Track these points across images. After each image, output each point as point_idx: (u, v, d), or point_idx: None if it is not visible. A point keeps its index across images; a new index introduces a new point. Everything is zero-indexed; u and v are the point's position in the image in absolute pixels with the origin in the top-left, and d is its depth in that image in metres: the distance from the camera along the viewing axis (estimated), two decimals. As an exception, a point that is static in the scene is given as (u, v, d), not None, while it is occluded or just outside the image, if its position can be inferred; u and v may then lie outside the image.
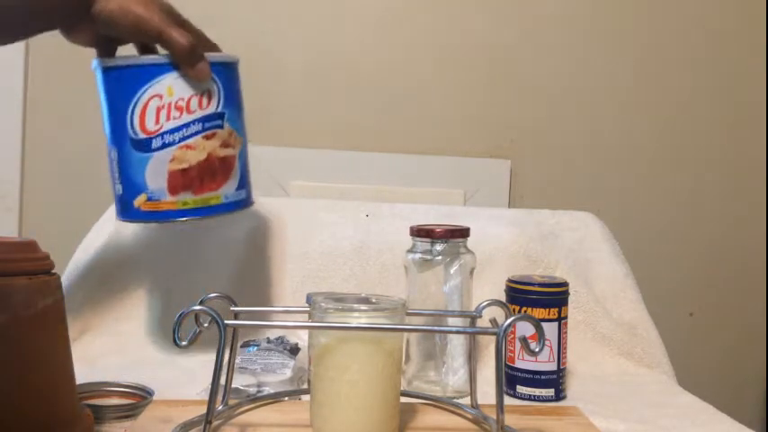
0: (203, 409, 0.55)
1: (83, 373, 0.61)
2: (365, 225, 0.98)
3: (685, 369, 0.98)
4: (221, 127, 0.69)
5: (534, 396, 0.75)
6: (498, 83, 1.23)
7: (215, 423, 0.60)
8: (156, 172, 0.67)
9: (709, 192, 1.28)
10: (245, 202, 0.74)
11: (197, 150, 0.67)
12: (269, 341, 0.80)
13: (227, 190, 0.71)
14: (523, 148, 1.24)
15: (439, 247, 0.75)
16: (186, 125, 0.67)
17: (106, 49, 0.69)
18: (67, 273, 0.92)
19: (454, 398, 0.71)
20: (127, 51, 0.70)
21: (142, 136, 0.67)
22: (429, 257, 0.76)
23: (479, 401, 0.66)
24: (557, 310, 0.76)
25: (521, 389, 0.76)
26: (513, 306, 0.76)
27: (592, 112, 1.25)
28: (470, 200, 1.19)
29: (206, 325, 0.58)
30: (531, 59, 1.23)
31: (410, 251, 0.78)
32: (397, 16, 1.21)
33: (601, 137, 1.26)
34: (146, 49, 0.71)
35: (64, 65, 1.15)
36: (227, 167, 0.70)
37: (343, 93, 1.21)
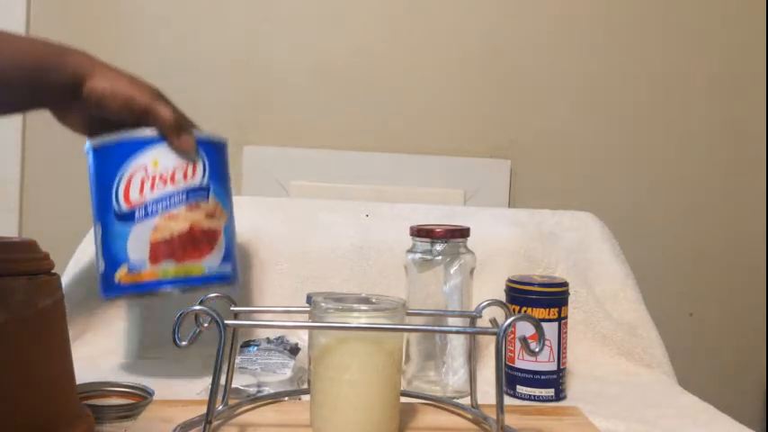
0: (203, 409, 0.55)
1: (83, 373, 0.61)
2: (365, 225, 0.98)
3: (685, 369, 0.98)
4: (206, 199, 0.69)
5: (534, 396, 0.75)
6: (498, 83, 1.23)
7: (215, 423, 0.60)
8: (137, 242, 0.67)
9: (709, 192, 1.28)
10: (230, 277, 0.72)
11: (179, 221, 0.67)
12: (269, 341, 0.80)
13: (211, 262, 0.69)
14: (523, 148, 1.24)
15: (439, 247, 0.75)
16: (170, 196, 0.67)
17: (97, 134, 0.71)
18: (67, 273, 0.92)
19: (454, 398, 0.71)
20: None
21: (125, 208, 0.67)
22: (429, 257, 0.76)
23: (479, 401, 0.66)
24: (557, 310, 0.76)
25: (521, 389, 0.76)
26: (513, 306, 0.76)
27: (592, 112, 1.25)
28: (470, 200, 1.19)
29: (206, 325, 0.58)
30: (532, 60, 1.23)
31: (410, 251, 0.78)
32: (398, 16, 1.21)
33: (601, 137, 1.26)
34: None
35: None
36: (211, 239, 0.69)
37: (343, 93, 1.21)
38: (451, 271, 0.75)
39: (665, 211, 1.27)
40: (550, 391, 0.75)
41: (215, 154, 0.71)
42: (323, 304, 0.59)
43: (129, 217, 0.66)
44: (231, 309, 0.64)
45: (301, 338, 0.84)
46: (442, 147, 1.21)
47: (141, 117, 0.66)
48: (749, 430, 0.67)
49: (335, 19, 1.20)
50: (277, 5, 1.20)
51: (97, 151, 0.69)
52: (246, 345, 0.79)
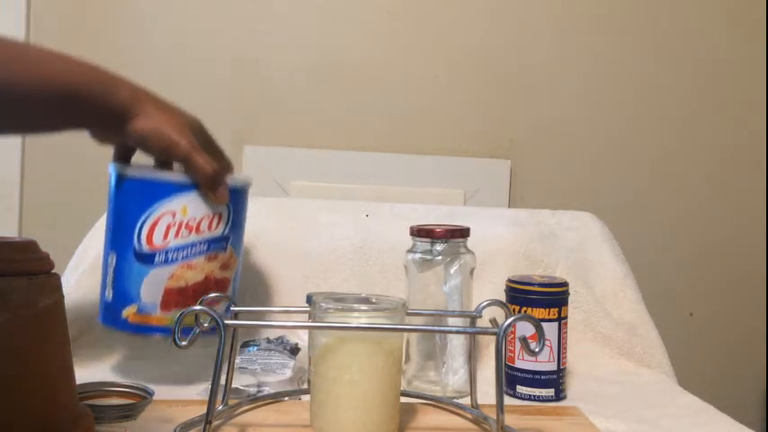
0: (203, 409, 0.55)
1: (83, 373, 0.61)
2: (365, 225, 0.98)
3: (685, 369, 0.98)
4: (224, 250, 0.70)
5: (534, 396, 0.75)
6: (498, 83, 1.23)
7: (215, 423, 0.60)
8: (152, 286, 0.67)
9: (709, 192, 1.28)
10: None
11: (196, 271, 0.68)
12: (269, 341, 0.80)
13: (218, 311, 0.70)
14: (523, 148, 1.24)
15: (439, 247, 0.75)
16: (192, 245, 0.67)
17: (125, 152, 0.70)
18: (67, 273, 0.92)
19: (454, 398, 0.71)
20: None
21: (146, 249, 0.66)
22: (429, 257, 0.76)
23: (479, 401, 0.66)
24: (557, 310, 0.76)
25: (521, 389, 0.76)
26: (513, 306, 0.76)
27: (592, 112, 1.25)
28: (470, 200, 1.19)
29: (206, 325, 0.58)
30: (531, 60, 1.23)
31: (410, 251, 0.78)
32: (398, 16, 1.21)
33: (601, 137, 1.26)
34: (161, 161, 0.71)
35: (64, 65, 1.14)
36: (222, 289, 0.70)
37: (343, 93, 1.21)
38: (451, 271, 0.75)
39: (665, 211, 1.28)
40: (550, 391, 0.75)
41: (239, 200, 0.72)
42: (323, 304, 0.59)
43: (148, 259, 0.66)
44: (231, 308, 0.64)
45: (301, 338, 0.84)
46: (441, 147, 1.22)
47: (180, 162, 0.66)
48: (749, 430, 0.67)
49: (335, 19, 1.20)
50: (277, 5, 1.20)
51: (125, 181, 0.68)
52: (246, 345, 0.79)
